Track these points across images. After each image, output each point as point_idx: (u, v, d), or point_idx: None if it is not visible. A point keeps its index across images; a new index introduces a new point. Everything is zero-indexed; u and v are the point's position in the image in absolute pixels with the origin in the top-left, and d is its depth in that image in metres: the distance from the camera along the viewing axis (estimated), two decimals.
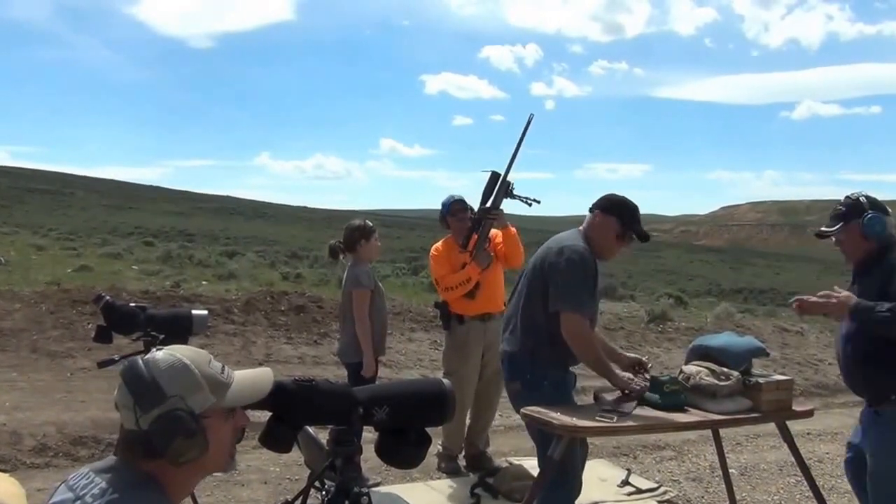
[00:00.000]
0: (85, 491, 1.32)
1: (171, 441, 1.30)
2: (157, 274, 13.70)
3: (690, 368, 3.28)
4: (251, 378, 1.47)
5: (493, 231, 4.57)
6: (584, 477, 3.39)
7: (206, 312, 3.27)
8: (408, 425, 1.69)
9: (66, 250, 20.39)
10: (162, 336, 2.98)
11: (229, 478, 4.45)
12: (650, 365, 3.40)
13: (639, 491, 4.56)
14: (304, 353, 7.71)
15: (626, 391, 3.20)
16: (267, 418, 1.61)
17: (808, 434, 5.77)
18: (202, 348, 1.46)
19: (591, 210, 3.37)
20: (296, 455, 1.92)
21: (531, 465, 4.01)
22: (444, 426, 4.20)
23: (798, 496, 4.78)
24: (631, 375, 3.33)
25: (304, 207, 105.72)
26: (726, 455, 4.00)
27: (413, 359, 7.93)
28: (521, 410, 3.15)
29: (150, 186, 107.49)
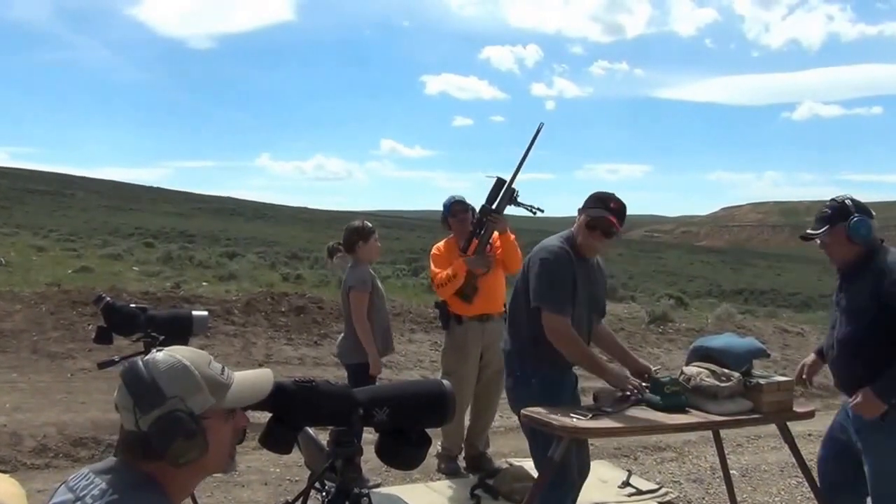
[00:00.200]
0: (85, 492, 1.31)
1: (170, 442, 1.30)
2: (157, 275, 13.71)
3: (691, 369, 3.28)
4: (251, 379, 1.46)
5: (494, 235, 4.57)
6: None
7: (206, 313, 3.27)
8: (408, 426, 1.69)
9: (67, 251, 20.39)
10: (162, 337, 2.99)
11: (229, 479, 4.45)
12: (656, 372, 3.39)
13: (639, 492, 4.56)
14: (304, 354, 7.71)
15: (624, 391, 3.21)
16: (267, 419, 1.61)
17: (808, 435, 5.76)
18: (202, 349, 1.46)
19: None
20: (296, 456, 1.92)
21: (531, 466, 4.01)
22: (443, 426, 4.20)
23: (799, 497, 4.78)
24: (629, 374, 3.33)
25: (305, 208, 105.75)
26: (727, 456, 4.00)
27: (413, 360, 7.93)
28: (521, 411, 3.16)
29: (151, 187, 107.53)
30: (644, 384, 3.27)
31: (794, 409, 3.34)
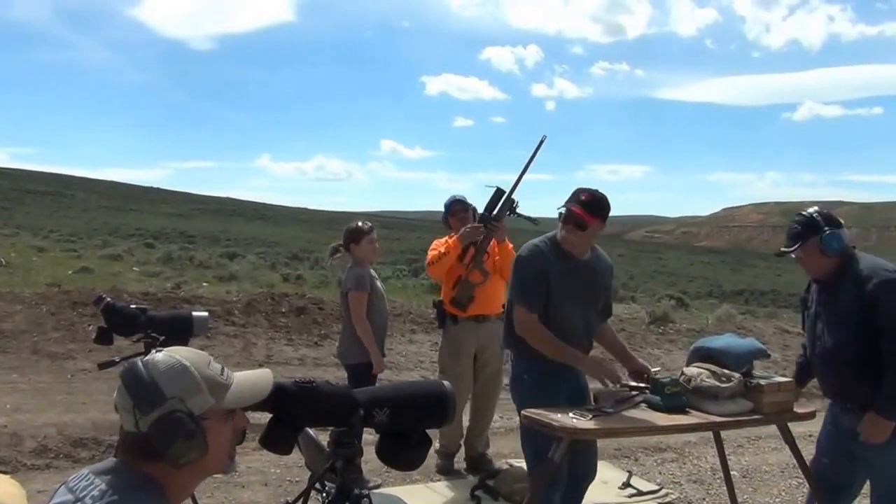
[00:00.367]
0: (85, 493, 1.31)
1: (170, 443, 1.30)
2: (157, 275, 13.73)
3: (692, 370, 3.28)
4: (251, 379, 1.46)
5: (491, 243, 4.56)
6: None
7: (206, 314, 3.28)
8: (408, 427, 1.69)
9: (67, 252, 20.41)
10: (162, 337, 2.99)
11: (229, 479, 4.45)
12: (656, 373, 3.38)
13: (640, 493, 4.56)
14: (304, 355, 7.72)
15: (601, 380, 3.26)
16: (267, 420, 1.61)
17: (809, 436, 5.72)
18: (202, 350, 1.46)
19: None
20: (296, 457, 1.92)
21: None
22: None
23: (800, 498, 4.77)
24: (616, 370, 3.35)
25: (305, 209, 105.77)
26: (728, 457, 3.99)
27: (413, 360, 7.93)
28: (521, 412, 3.16)
29: (151, 188, 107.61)
30: (643, 384, 3.27)
31: (795, 409, 3.33)
